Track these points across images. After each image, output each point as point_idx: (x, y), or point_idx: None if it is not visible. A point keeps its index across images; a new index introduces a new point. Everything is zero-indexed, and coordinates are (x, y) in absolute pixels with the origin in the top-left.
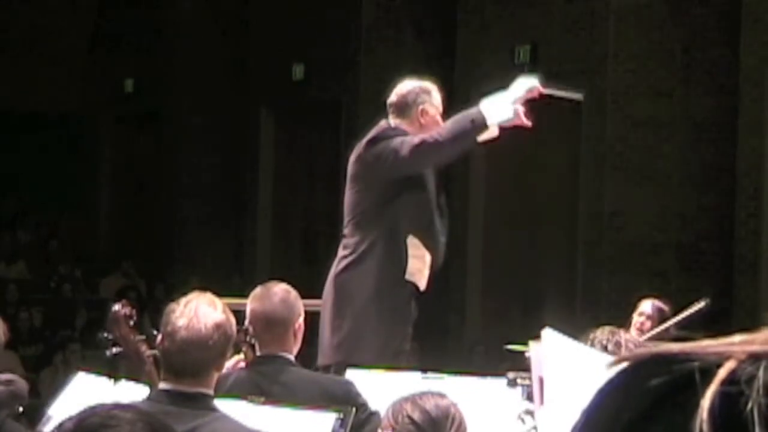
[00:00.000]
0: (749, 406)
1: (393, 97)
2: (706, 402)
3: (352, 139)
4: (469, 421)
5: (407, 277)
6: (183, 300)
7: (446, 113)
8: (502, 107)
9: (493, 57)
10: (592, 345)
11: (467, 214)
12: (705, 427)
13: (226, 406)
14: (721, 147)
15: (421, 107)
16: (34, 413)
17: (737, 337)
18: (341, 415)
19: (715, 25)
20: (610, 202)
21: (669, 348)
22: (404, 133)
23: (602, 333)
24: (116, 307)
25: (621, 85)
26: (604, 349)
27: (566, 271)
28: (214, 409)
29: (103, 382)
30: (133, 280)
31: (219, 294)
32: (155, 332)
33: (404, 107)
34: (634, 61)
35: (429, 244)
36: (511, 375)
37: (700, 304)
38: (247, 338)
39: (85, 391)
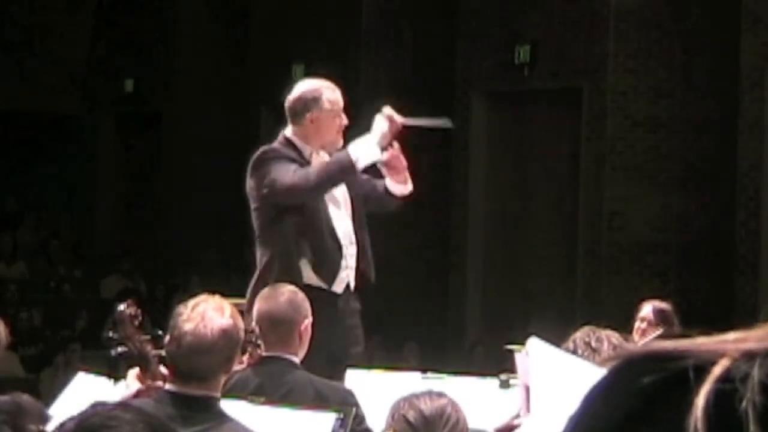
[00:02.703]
0: (744, 404)
1: (287, 102)
2: (700, 400)
3: (351, 138)
4: (469, 421)
5: (307, 281)
6: (191, 303)
7: (446, 115)
8: (367, 149)
9: (493, 57)
10: (574, 345)
11: (467, 214)
12: (700, 425)
13: (225, 405)
14: (721, 147)
15: (308, 116)
16: None
17: (731, 335)
18: (341, 415)
19: (715, 25)
20: (610, 202)
21: (662, 345)
22: (283, 157)
23: (582, 332)
24: (121, 307)
25: (621, 85)
26: (587, 345)
27: (566, 271)
28: (220, 413)
29: (104, 382)
30: (133, 281)
31: (219, 294)
32: (160, 332)
33: (295, 114)
34: (634, 61)
35: (320, 270)
36: (503, 376)
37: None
38: (254, 339)
39: (85, 391)
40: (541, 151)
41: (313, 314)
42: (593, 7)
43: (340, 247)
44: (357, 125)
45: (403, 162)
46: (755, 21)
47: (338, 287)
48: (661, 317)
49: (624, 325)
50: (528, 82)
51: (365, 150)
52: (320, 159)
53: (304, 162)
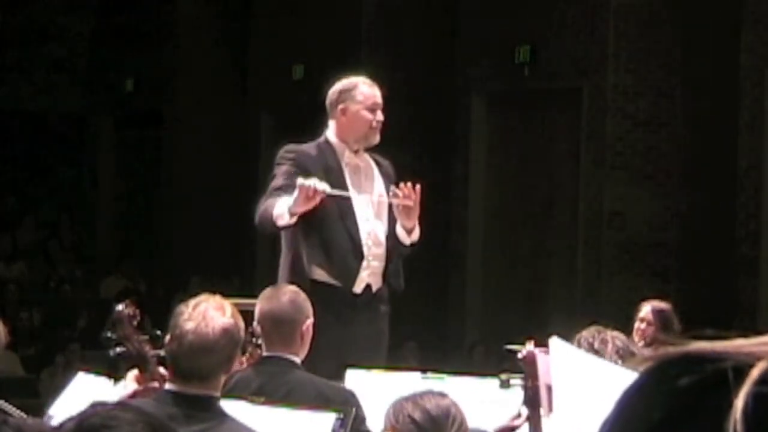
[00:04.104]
0: None
1: (326, 99)
2: (739, 403)
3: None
4: (469, 421)
5: (320, 279)
6: (192, 302)
7: (446, 115)
8: (282, 212)
9: (493, 57)
10: (579, 345)
11: (467, 215)
12: (739, 428)
13: (226, 405)
14: (721, 147)
15: (340, 107)
16: (35, 413)
17: None
18: (341, 416)
19: (715, 25)
20: (610, 202)
21: (700, 347)
22: (294, 162)
23: (588, 332)
24: (120, 307)
25: (621, 85)
26: (591, 347)
27: (566, 271)
28: (221, 413)
29: (103, 382)
30: (133, 281)
31: (219, 294)
32: (158, 332)
33: (330, 109)
34: (634, 61)
35: (333, 270)
36: (503, 376)
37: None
38: (254, 339)
39: (85, 391)
40: (541, 151)
41: (327, 311)
42: (593, 7)
43: (359, 247)
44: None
45: (415, 210)
46: (755, 21)
47: (357, 287)
48: (660, 317)
49: (624, 325)
50: (528, 82)
51: (281, 211)
52: (357, 161)
53: (334, 166)
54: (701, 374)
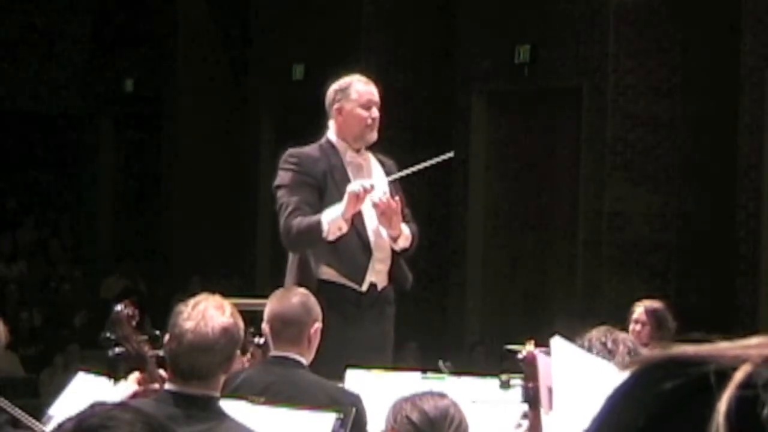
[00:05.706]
0: (766, 410)
1: (325, 99)
2: (722, 406)
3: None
4: (469, 422)
5: (329, 278)
6: (191, 302)
7: (446, 115)
8: (335, 223)
9: (493, 57)
10: (589, 344)
11: (467, 215)
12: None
13: (225, 405)
14: (721, 147)
15: (336, 106)
16: (34, 413)
17: (754, 340)
18: (341, 416)
19: (715, 25)
20: (610, 202)
21: (683, 350)
22: (299, 170)
23: (598, 332)
24: (119, 307)
25: (621, 85)
26: (603, 346)
27: (566, 271)
28: (221, 413)
29: (103, 382)
30: (133, 281)
31: (219, 294)
32: (157, 332)
33: (328, 109)
34: (634, 61)
35: (343, 270)
36: (503, 376)
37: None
38: (254, 339)
39: (85, 391)
40: (541, 151)
41: (334, 311)
42: (593, 7)
43: (367, 244)
44: None
45: (397, 219)
46: (755, 21)
47: (363, 285)
48: (654, 317)
49: (625, 325)
50: (528, 82)
51: (334, 224)
52: (359, 160)
53: (338, 165)
54: (685, 378)
